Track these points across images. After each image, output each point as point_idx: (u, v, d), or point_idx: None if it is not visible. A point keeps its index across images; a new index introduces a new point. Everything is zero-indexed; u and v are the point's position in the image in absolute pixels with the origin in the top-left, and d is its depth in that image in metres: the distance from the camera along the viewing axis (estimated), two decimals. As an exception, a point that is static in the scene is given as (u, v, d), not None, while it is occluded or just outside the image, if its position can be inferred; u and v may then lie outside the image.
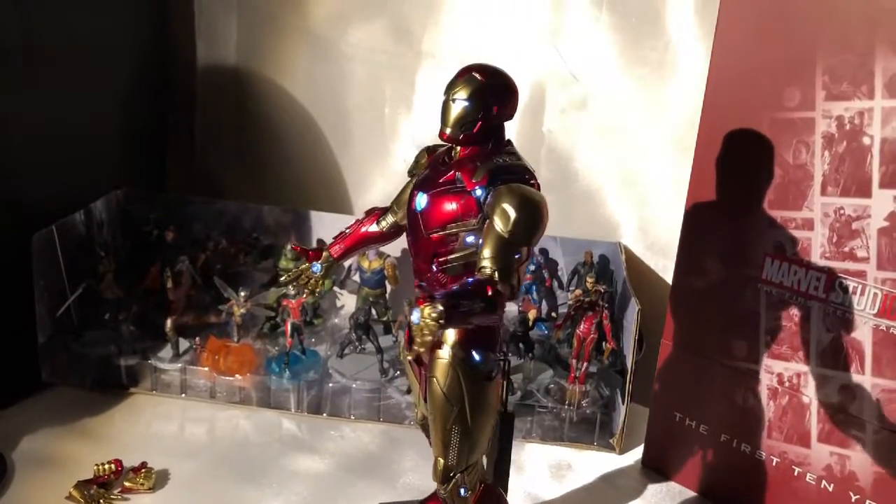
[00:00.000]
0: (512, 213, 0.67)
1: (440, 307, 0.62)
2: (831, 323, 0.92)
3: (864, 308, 0.90)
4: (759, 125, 0.94)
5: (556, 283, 1.36)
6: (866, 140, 0.87)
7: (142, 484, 1.00)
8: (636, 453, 1.15)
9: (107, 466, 1.01)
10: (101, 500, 0.98)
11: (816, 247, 0.92)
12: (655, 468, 1.12)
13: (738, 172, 0.96)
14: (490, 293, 0.66)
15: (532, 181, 0.72)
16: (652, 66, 1.23)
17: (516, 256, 0.67)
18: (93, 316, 1.25)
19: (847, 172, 0.88)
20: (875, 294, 0.89)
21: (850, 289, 0.90)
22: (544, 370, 1.26)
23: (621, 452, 1.15)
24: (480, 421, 0.76)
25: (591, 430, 1.17)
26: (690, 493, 1.08)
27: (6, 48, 1.14)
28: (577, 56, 1.27)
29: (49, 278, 1.19)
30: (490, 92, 0.72)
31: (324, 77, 1.45)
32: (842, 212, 0.90)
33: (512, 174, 0.72)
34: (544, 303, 1.34)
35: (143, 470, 1.02)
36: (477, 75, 0.74)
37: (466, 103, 0.74)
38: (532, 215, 0.68)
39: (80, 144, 1.29)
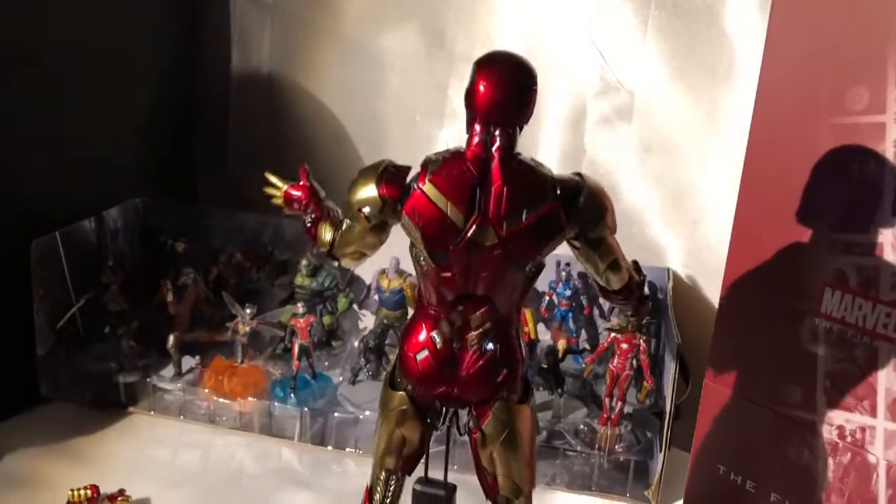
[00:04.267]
0: None
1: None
2: (904, 368, 0.77)
3: (945, 352, 0.74)
4: (817, 132, 0.79)
5: (596, 312, 1.23)
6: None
7: (115, 513, 0.92)
8: (675, 509, 1.01)
9: (81, 492, 0.93)
10: (70, 529, 0.90)
11: (886, 276, 0.77)
12: (695, 528, 0.98)
13: (792, 188, 0.82)
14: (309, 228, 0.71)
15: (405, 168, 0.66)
16: (706, 70, 1.09)
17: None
18: (98, 327, 1.18)
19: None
20: (958, 335, 0.73)
21: (928, 328, 0.75)
22: (577, 408, 1.13)
23: (658, 507, 1.01)
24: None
25: (625, 479, 1.03)
26: (735, 561, 0.93)
27: (32, 55, 1.10)
28: (623, 60, 1.15)
29: (51, 288, 1.13)
30: None
31: (356, 83, 1.37)
32: (918, 235, 0.75)
33: None
34: (584, 332, 1.21)
35: (119, 498, 0.94)
36: None
37: None
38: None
39: (106, 152, 1.25)
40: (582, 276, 1.21)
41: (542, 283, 1.22)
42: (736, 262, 0.89)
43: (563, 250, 1.09)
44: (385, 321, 1.17)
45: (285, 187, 0.74)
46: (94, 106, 1.22)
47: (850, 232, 0.79)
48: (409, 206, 0.63)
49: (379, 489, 0.71)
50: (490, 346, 0.66)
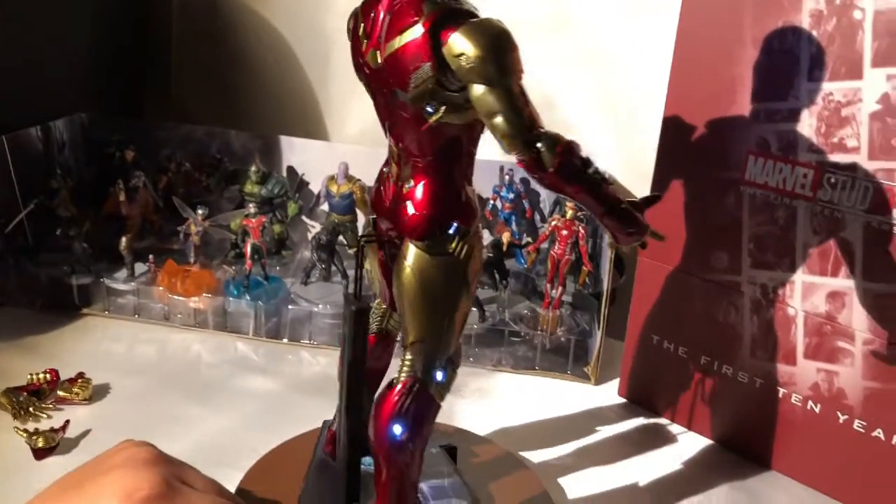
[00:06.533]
0: None
1: None
2: (819, 223, 0.84)
3: (855, 204, 0.81)
4: (741, 8, 0.86)
5: (537, 217, 1.28)
6: (857, 14, 0.79)
7: (77, 394, 0.94)
8: (613, 385, 1.07)
9: (41, 375, 0.95)
10: (31, 408, 0.92)
11: (804, 139, 0.84)
12: (632, 398, 1.04)
13: (719, 65, 0.88)
14: None
15: None
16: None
17: None
18: (47, 235, 1.19)
19: (836, 53, 0.80)
20: (866, 188, 0.81)
21: (840, 184, 0.82)
22: (520, 301, 1.18)
23: (597, 383, 1.07)
24: None
25: (565, 360, 1.09)
26: (669, 423, 1.00)
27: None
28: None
29: (-1, 192, 1.14)
30: None
31: (304, 3, 1.39)
32: (831, 98, 0.82)
33: None
34: (525, 236, 1.27)
35: (79, 380, 0.96)
36: None
37: None
38: None
39: (51, 65, 1.25)
40: (524, 181, 1.27)
41: (486, 189, 1.27)
42: (667, 140, 0.95)
43: (502, 155, 1.11)
44: (335, 221, 1.20)
45: None
46: (39, 19, 1.22)
47: (771, 101, 0.86)
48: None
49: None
50: (410, 185, 0.66)
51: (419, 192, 0.66)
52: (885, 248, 0.80)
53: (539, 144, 0.60)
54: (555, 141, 0.61)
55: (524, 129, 0.60)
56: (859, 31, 0.79)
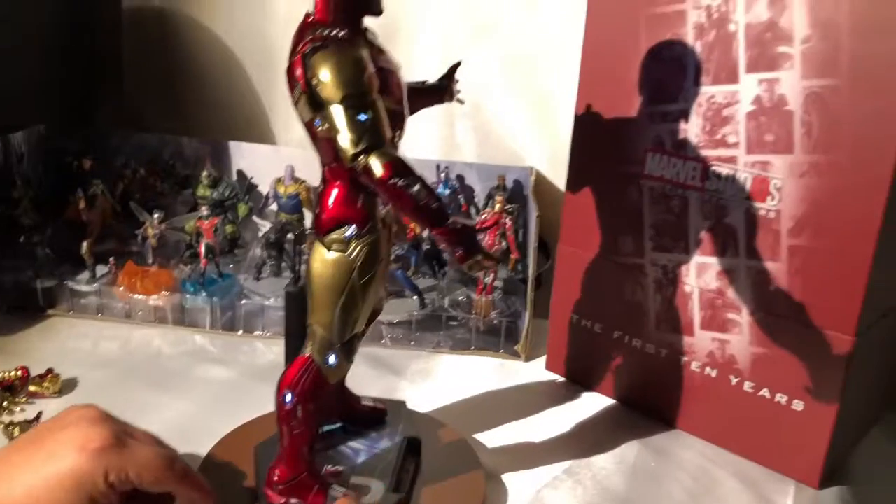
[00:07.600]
0: None
1: None
2: (708, 211, 0.96)
3: (737, 193, 0.93)
4: (636, 23, 0.97)
5: (473, 210, 1.39)
6: (732, 27, 0.90)
7: (47, 388, 1.02)
8: (541, 361, 1.18)
9: (12, 373, 1.03)
10: (5, 403, 0.99)
11: (692, 137, 0.95)
12: (558, 371, 1.15)
13: (619, 74, 0.99)
14: None
15: None
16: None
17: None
18: (9, 242, 1.26)
19: (717, 61, 0.92)
20: (745, 178, 0.92)
21: (723, 175, 0.94)
22: (458, 288, 1.29)
23: (527, 360, 1.18)
24: None
25: (498, 340, 1.20)
26: (588, 392, 1.12)
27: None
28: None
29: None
30: None
31: (247, 14, 1.47)
32: (713, 100, 0.93)
33: None
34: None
35: (49, 375, 1.04)
36: None
37: None
38: None
39: (4, 81, 1.31)
40: (459, 177, 1.37)
41: (423, 185, 1.37)
42: (579, 140, 1.06)
43: (438, 154, 1.22)
44: (283, 220, 1.29)
45: None
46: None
47: (664, 103, 0.97)
48: None
49: None
50: (321, 187, 0.76)
51: (326, 194, 0.75)
52: (762, 231, 0.92)
53: (369, 161, 0.67)
54: (382, 158, 0.67)
55: (352, 145, 0.67)
56: (734, 41, 0.90)
